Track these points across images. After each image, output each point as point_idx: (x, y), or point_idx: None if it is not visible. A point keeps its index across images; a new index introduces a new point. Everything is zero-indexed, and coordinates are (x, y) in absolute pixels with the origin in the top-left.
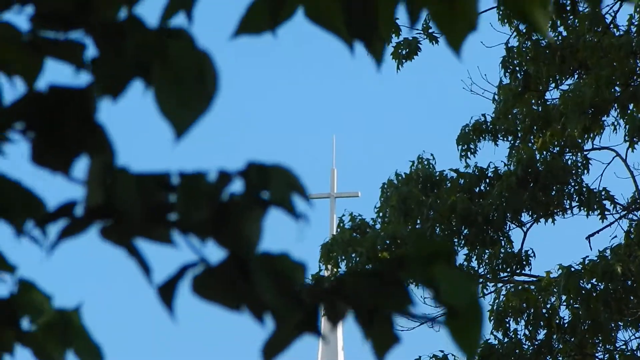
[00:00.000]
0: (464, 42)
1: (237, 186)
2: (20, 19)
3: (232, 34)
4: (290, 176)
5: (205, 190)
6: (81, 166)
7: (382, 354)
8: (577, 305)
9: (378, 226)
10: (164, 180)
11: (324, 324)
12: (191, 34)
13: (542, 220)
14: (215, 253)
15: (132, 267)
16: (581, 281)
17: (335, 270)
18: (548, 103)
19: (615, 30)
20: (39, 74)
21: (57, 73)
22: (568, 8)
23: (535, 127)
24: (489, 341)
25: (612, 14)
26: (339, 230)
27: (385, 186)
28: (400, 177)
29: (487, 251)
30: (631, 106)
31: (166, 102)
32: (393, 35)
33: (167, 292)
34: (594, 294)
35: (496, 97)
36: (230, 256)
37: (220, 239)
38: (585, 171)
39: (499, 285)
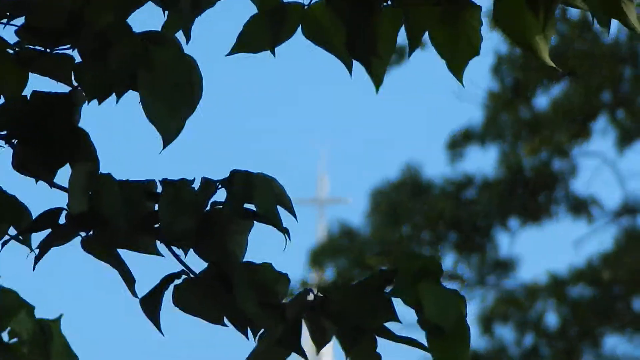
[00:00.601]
0: (465, 67)
1: (221, 196)
2: (6, 31)
3: (230, 52)
4: (276, 186)
5: (189, 200)
6: (64, 174)
7: None
8: (564, 311)
9: (367, 232)
10: (148, 189)
11: (311, 342)
12: (177, 40)
13: (530, 226)
14: (198, 264)
15: (111, 279)
16: (568, 287)
17: (322, 277)
18: (537, 110)
19: (604, 35)
20: (23, 87)
21: (40, 80)
22: (557, 14)
23: (523, 134)
24: (475, 347)
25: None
26: (327, 236)
27: (374, 192)
28: (389, 184)
29: (474, 256)
30: (620, 112)
31: (153, 109)
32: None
33: (151, 304)
34: (582, 300)
35: (485, 103)
36: (212, 267)
37: (203, 249)
38: (574, 177)
39: (486, 290)
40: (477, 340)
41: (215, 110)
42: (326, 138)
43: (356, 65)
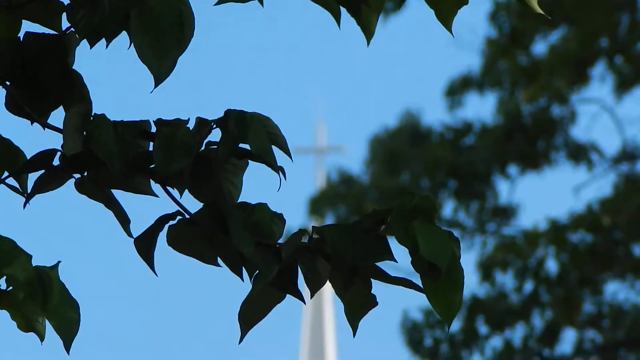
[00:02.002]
0: (454, 16)
1: (216, 136)
2: None
3: (218, 1)
4: (271, 126)
5: (184, 140)
6: (59, 116)
7: (357, 316)
8: (564, 258)
9: (366, 180)
10: (142, 129)
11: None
12: None
13: (530, 172)
14: (193, 204)
15: (107, 224)
16: (568, 233)
17: (321, 224)
18: (535, 56)
19: None
20: (17, 34)
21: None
22: None
23: (522, 81)
24: (475, 294)
25: None
26: (326, 183)
27: (373, 140)
28: (387, 131)
29: (473, 204)
30: (618, 59)
31: (145, 50)
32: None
33: (145, 244)
34: (582, 247)
35: (483, 50)
36: (207, 207)
37: (198, 190)
38: (573, 123)
39: (486, 237)
40: (477, 287)
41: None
42: (324, 87)
43: (350, 16)
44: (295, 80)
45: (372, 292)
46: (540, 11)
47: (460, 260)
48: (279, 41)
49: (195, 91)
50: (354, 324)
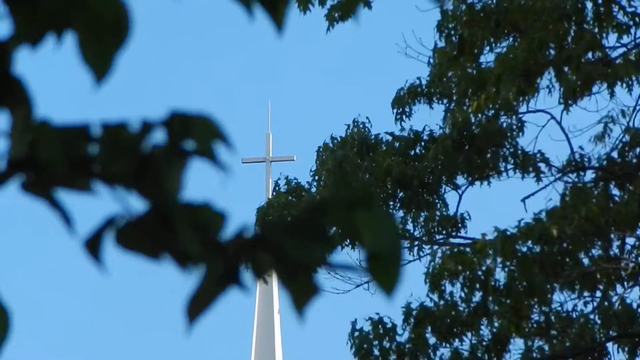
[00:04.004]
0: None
1: (159, 136)
2: None
3: None
4: (214, 125)
5: (126, 141)
6: (2, 120)
7: (302, 305)
8: (512, 268)
9: (314, 190)
10: (85, 131)
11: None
12: None
13: (478, 183)
14: (138, 204)
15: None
16: (517, 244)
17: None
18: (483, 66)
19: None
20: None
21: None
22: None
23: (470, 90)
24: (424, 304)
25: None
26: (274, 194)
27: (321, 150)
28: (335, 141)
29: (422, 214)
30: (566, 69)
31: (84, 49)
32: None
33: (93, 244)
34: (530, 257)
35: (431, 60)
36: (152, 207)
37: (142, 189)
38: (521, 134)
39: (435, 247)
40: (426, 297)
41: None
42: (272, 97)
43: (305, 18)
44: (243, 90)
45: (315, 280)
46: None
47: (401, 243)
48: (225, 50)
49: (140, 99)
50: (299, 313)
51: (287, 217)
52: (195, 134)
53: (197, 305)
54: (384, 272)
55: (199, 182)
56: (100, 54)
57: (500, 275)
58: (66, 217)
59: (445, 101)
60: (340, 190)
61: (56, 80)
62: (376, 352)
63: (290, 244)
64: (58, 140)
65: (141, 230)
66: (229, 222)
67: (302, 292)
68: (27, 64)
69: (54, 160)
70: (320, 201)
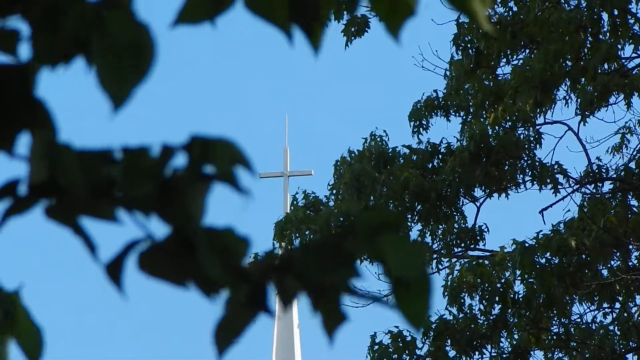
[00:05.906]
0: (402, 27)
1: (180, 161)
2: None
3: (172, 24)
4: (235, 149)
5: (148, 166)
6: (23, 143)
7: (331, 331)
8: (531, 280)
9: (332, 204)
10: (107, 156)
11: (277, 303)
12: (132, 6)
13: (496, 195)
14: (160, 229)
15: (77, 247)
16: (535, 256)
17: (289, 248)
18: (499, 78)
19: (565, 5)
20: None
21: None
22: None
23: (487, 103)
24: (443, 317)
25: None
26: (292, 208)
27: (339, 164)
28: (353, 155)
29: (440, 227)
30: (582, 80)
31: (104, 75)
32: (345, 13)
33: (114, 270)
34: (549, 269)
35: (448, 73)
36: (175, 232)
37: (164, 214)
38: (538, 145)
39: (453, 260)
40: (445, 310)
41: (180, 87)
42: (289, 112)
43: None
44: (260, 106)
45: (343, 307)
46: (488, 28)
47: (428, 267)
48: (242, 66)
49: (160, 119)
50: (329, 337)
51: (313, 242)
52: (216, 158)
53: (226, 334)
54: (411, 304)
55: (219, 203)
56: (118, 81)
57: (519, 287)
58: (90, 244)
59: (462, 114)
60: (366, 215)
61: (77, 103)
62: None
63: (314, 266)
64: (79, 164)
65: (163, 255)
66: (251, 246)
67: (331, 317)
68: (49, 86)
69: (75, 184)
70: (346, 225)
